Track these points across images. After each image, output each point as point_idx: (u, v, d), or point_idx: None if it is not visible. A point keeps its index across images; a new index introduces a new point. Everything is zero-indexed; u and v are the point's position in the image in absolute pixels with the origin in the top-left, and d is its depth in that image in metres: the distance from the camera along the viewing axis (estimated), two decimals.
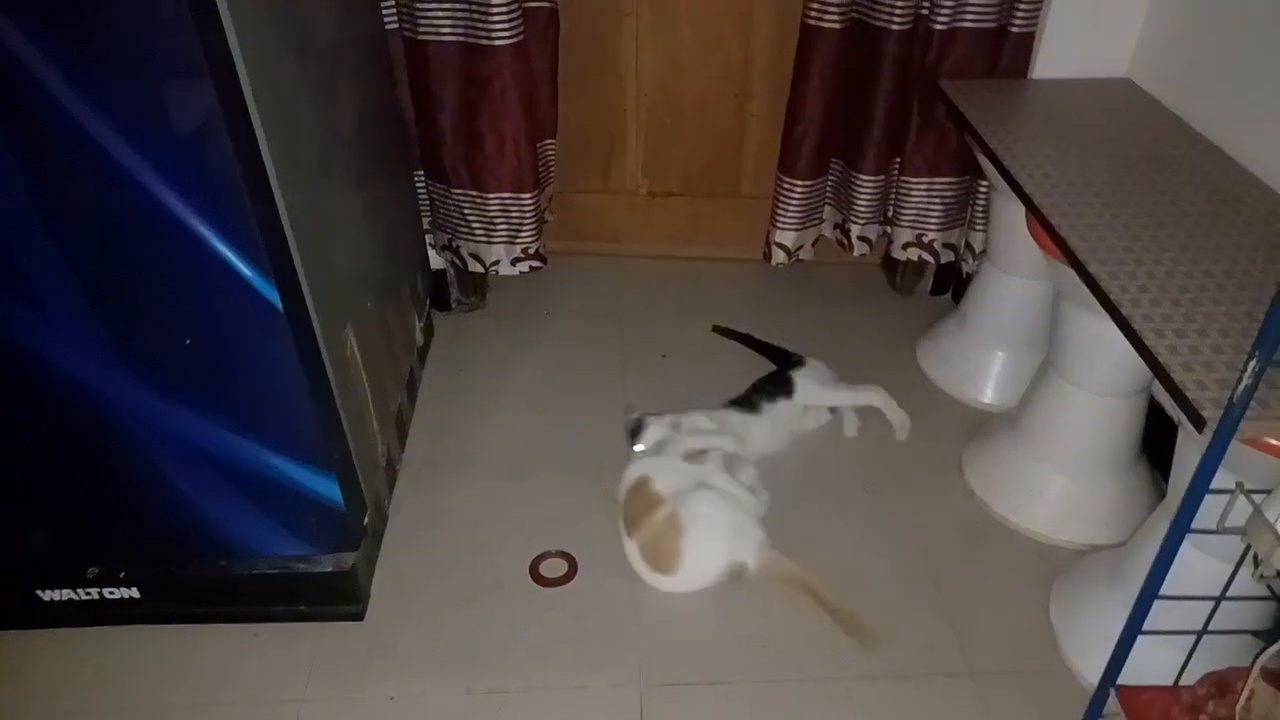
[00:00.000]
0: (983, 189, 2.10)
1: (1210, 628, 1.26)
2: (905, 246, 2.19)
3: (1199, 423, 1.05)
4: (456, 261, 2.16)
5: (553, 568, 1.66)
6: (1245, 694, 1.21)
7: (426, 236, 2.20)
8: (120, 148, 1.06)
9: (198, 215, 1.11)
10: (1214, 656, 1.29)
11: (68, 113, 1.03)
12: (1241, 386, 0.98)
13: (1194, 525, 1.12)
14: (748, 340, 2.17)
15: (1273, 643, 1.15)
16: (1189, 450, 1.28)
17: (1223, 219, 1.44)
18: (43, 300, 1.17)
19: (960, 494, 1.84)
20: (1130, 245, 1.36)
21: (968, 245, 2.21)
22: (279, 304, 1.19)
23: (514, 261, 2.11)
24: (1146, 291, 1.26)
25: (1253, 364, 0.96)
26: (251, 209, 1.12)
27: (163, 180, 1.08)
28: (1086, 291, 1.33)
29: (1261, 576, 1.18)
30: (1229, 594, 1.23)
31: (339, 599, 1.53)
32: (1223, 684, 1.27)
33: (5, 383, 1.24)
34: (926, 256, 2.21)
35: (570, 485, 1.83)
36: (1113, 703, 1.32)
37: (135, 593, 1.50)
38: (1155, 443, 1.73)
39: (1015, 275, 1.94)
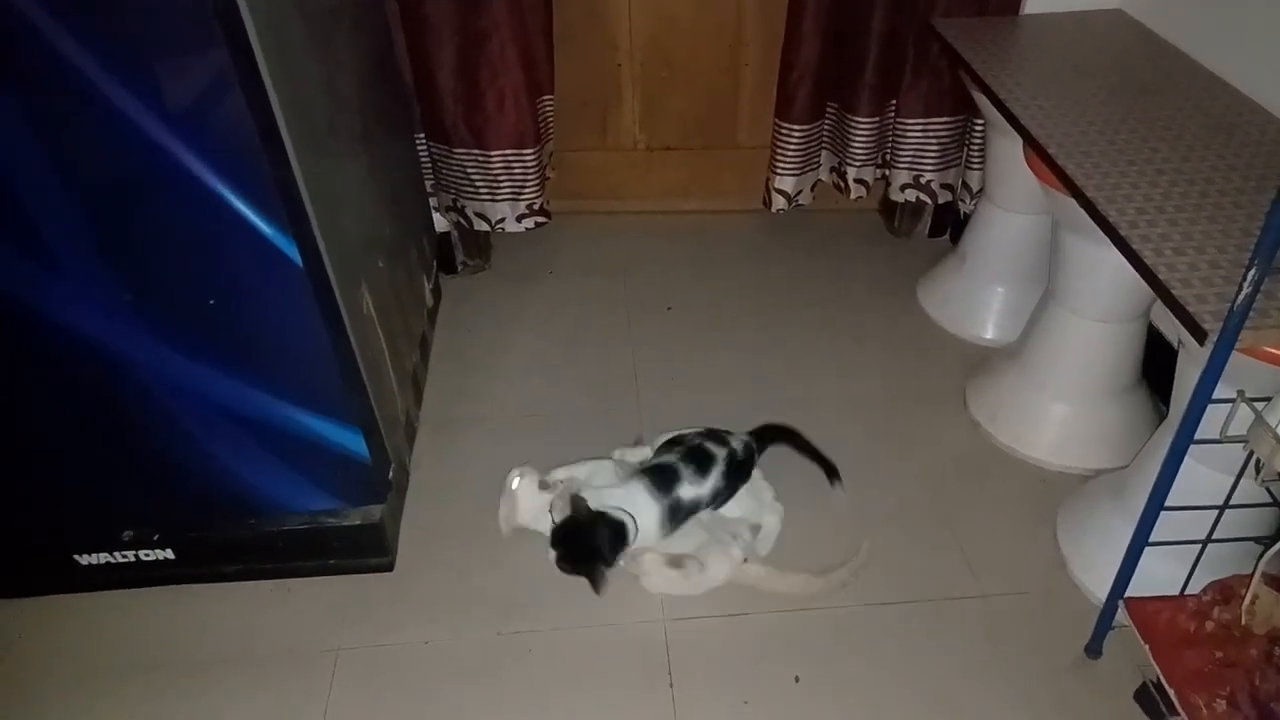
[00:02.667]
0: (978, 127, 2.12)
1: (1214, 536, 1.31)
2: (903, 188, 2.21)
3: (1200, 335, 1.09)
4: (462, 221, 2.18)
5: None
6: (1248, 598, 1.27)
7: (430, 199, 2.21)
8: (137, 109, 1.07)
9: (216, 174, 1.13)
10: (1218, 567, 1.35)
11: (84, 75, 1.05)
12: (1241, 296, 1.02)
13: (1196, 436, 1.16)
14: (793, 440, 1.75)
15: (1276, 549, 1.20)
16: (1189, 368, 1.32)
17: (1217, 141, 1.46)
18: (65, 265, 1.19)
19: (965, 427, 1.88)
20: (1126, 170, 1.39)
21: (965, 185, 2.23)
22: (299, 261, 1.21)
23: (519, 218, 2.13)
24: (1144, 213, 1.29)
25: (1251, 273, 1.00)
26: (268, 166, 1.14)
27: (180, 140, 1.10)
28: (1085, 219, 1.35)
29: (1263, 481, 1.23)
30: (1231, 503, 1.28)
31: (368, 551, 1.58)
32: (1226, 591, 1.32)
33: (32, 348, 1.27)
34: (924, 198, 2.23)
35: (583, 437, 1.86)
36: (1121, 615, 1.38)
37: (170, 554, 1.54)
38: (1154, 369, 1.77)
39: (1013, 211, 1.97)
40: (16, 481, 1.44)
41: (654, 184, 2.50)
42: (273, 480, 1.47)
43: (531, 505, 1.59)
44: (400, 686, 1.43)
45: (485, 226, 2.16)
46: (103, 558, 1.53)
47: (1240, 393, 1.13)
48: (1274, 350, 1.14)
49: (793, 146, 2.15)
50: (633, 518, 1.50)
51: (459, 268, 2.36)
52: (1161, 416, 1.74)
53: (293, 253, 1.20)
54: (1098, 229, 1.32)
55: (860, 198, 2.26)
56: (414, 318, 1.95)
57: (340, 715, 1.39)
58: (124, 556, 1.53)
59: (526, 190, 2.10)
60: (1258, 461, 1.19)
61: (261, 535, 1.53)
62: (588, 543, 1.47)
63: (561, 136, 2.31)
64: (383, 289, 1.62)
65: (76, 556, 1.52)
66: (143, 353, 1.28)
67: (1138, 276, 1.23)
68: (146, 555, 1.54)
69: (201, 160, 1.12)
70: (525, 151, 2.03)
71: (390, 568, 1.61)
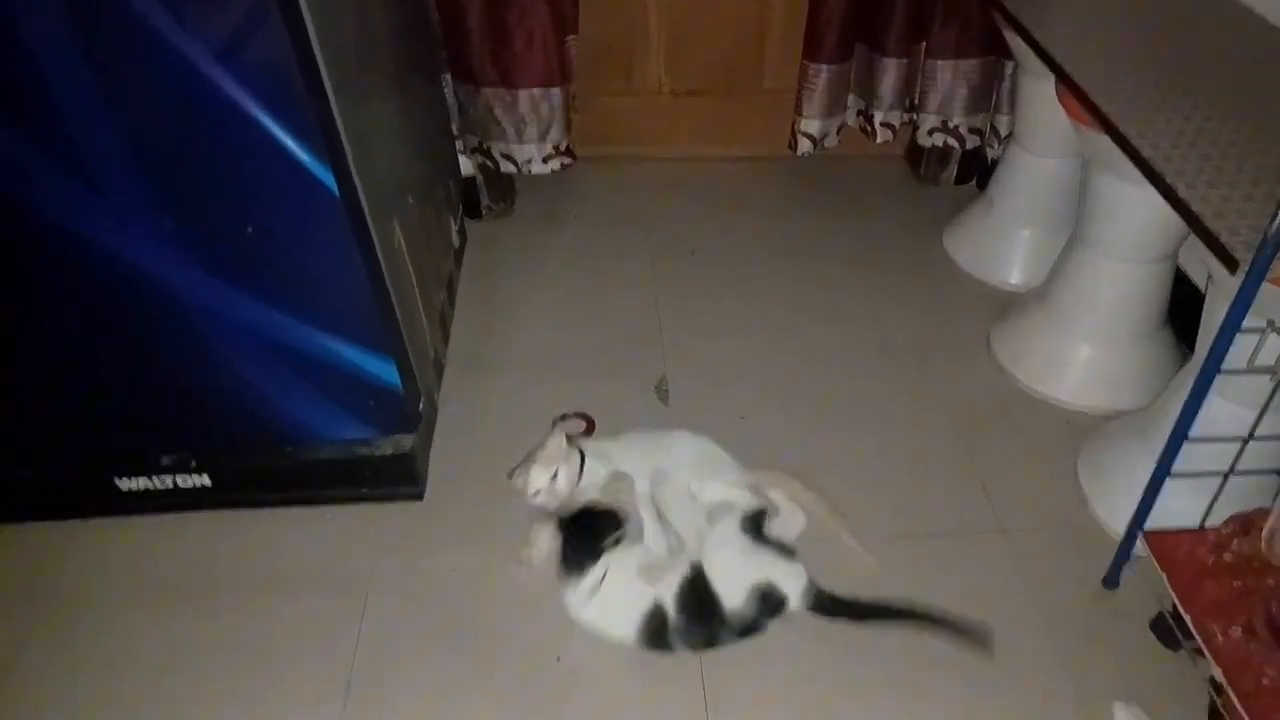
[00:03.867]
0: (1009, 70, 2.09)
1: (1236, 469, 1.32)
2: (931, 132, 2.20)
3: (1232, 264, 1.09)
4: (488, 163, 2.19)
5: (572, 426, 1.75)
6: (1268, 529, 1.28)
7: (456, 142, 2.22)
8: (179, 35, 1.09)
9: (255, 101, 1.14)
10: (1237, 503, 1.36)
11: (130, 5, 1.06)
12: (1275, 223, 1.02)
13: (1223, 368, 1.17)
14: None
15: None
16: (1218, 302, 1.32)
17: (1253, 75, 1.45)
18: (108, 188, 1.21)
19: (990, 370, 1.89)
20: (1160, 105, 1.38)
21: (993, 129, 2.21)
22: (335, 189, 1.23)
23: (545, 159, 2.14)
24: (1177, 147, 1.28)
25: None
26: (306, 95, 1.15)
27: (221, 67, 1.12)
28: (1117, 156, 1.35)
29: None
30: (1255, 435, 1.28)
31: (399, 480, 1.62)
32: (1246, 524, 1.33)
33: (75, 271, 1.30)
34: (952, 142, 2.22)
35: (607, 375, 1.89)
36: (1139, 549, 1.39)
37: (206, 480, 1.58)
38: (1179, 315, 1.77)
39: (1042, 155, 1.95)
40: (59, 403, 1.48)
41: (679, 129, 2.49)
42: (307, 408, 1.50)
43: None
44: (431, 609, 1.47)
45: (511, 168, 2.16)
46: (142, 482, 1.57)
47: (1270, 322, 1.13)
48: None
49: (820, 88, 2.14)
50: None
51: (484, 212, 2.37)
52: (1186, 360, 1.74)
53: (329, 181, 1.22)
54: (1129, 166, 1.31)
55: (887, 142, 2.25)
56: (441, 258, 1.97)
57: (375, 636, 1.44)
58: (162, 482, 1.58)
59: (553, 130, 2.10)
60: None
61: (296, 463, 1.57)
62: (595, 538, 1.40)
63: (586, 80, 2.30)
64: (412, 225, 1.64)
65: (117, 480, 1.57)
66: (182, 278, 1.30)
67: (1167, 215, 1.23)
68: (184, 481, 1.58)
69: (242, 87, 1.14)
70: (552, 90, 2.03)
71: (420, 497, 1.64)
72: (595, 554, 1.39)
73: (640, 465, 1.55)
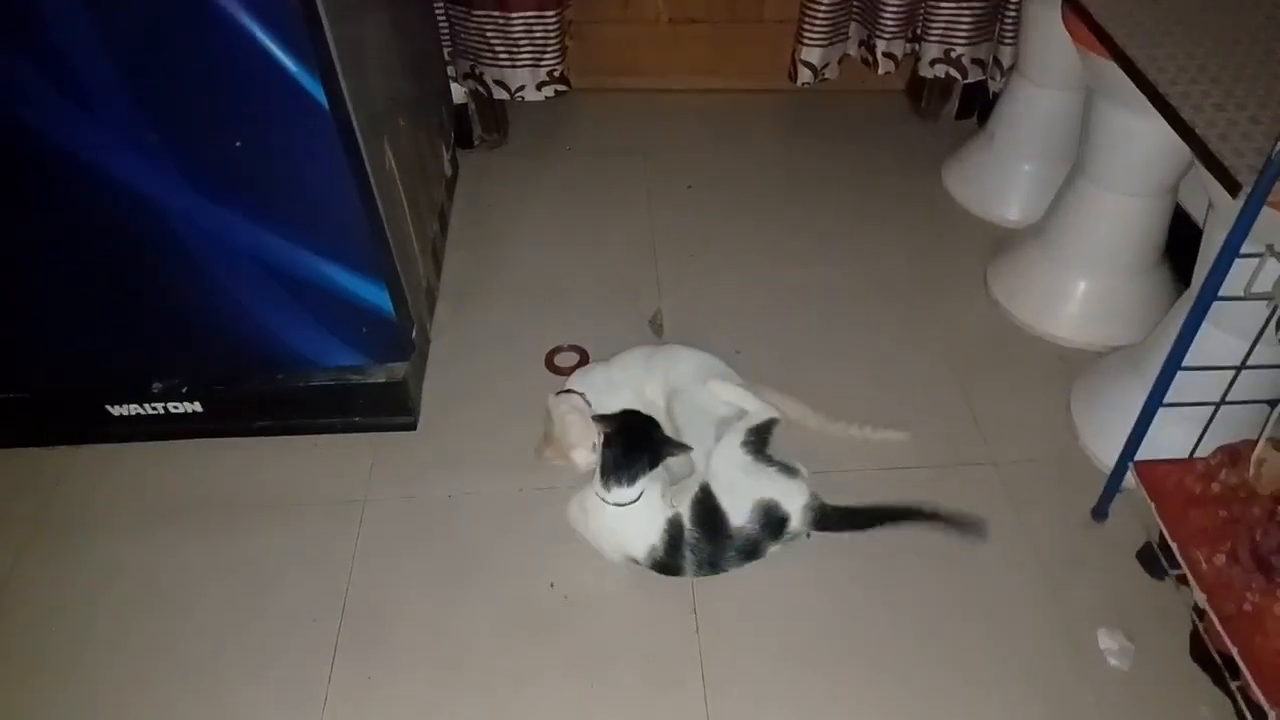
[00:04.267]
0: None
1: (1227, 399, 1.33)
2: (933, 63, 2.16)
3: (1234, 187, 1.07)
4: (480, 89, 2.14)
5: (566, 359, 1.77)
6: (1255, 459, 1.29)
7: (448, 68, 2.17)
8: None
9: (244, 9, 1.11)
10: (1226, 435, 1.36)
11: None
12: (1278, 147, 1.00)
13: (1220, 294, 1.16)
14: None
15: None
16: (1217, 231, 1.30)
17: (1264, 2, 1.42)
18: (93, 101, 1.18)
19: (985, 305, 1.89)
20: (1170, 30, 1.35)
21: (996, 61, 2.17)
22: (325, 103, 1.20)
23: (539, 86, 2.09)
24: (1185, 71, 1.26)
25: None
26: (297, 5, 1.12)
27: None
28: (1123, 84, 1.32)
29: None
30: (1248, 364, 1.28)
31: (392, 409, 1.61)
32: (1234, 454, 1.34)
33: (61, 191, 1.27)
34: (954, 73, 2.17)
35: (601, 309, 1.88)
36: (1128, 481, 1.40)
37: (198, 406, 1.57)
38: (1177, 252, 1.76)
39: (1046, 86, 1.92)
40: (48, 328, 1.46)
41: (677, 60, 2.44)
42: (299, 334, 1.49)
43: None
44: (425, 534, 1.48)
45: (504, 94, 2.12)
46: (133, 409, 1.57)
47: (1269, 246, 1.12)
48: None
49: (821, 15, 2.09)
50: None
51: (476, 142, 2.33)
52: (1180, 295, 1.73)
53: (319, 95, 1.19)
54: (1134, 94, 1.29)
55: (889, 73, 2.20)
56: (434, 186, 1.94)
57: (369, 558, 1.45)
58: (154, 409, 1.57)
59: (547, 56, 2.05)
60: (1278, 321, 1.19)
61: (288, 391, 1.57)
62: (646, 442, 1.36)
63: (582, 8, 2.24)
64: (404, 149, 1.61)
65: (109, 407, 1.56)
66: (171, 196, 1.28)
67: (1170, 145, 1.21)
68: (175, 408, 1.57)
69: None
70: (546, 14, 1.98)
71: (413, 427, 1.64)
72: (650, 463, 1.34)
73: (643, 373, 1.57)
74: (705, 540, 1.37)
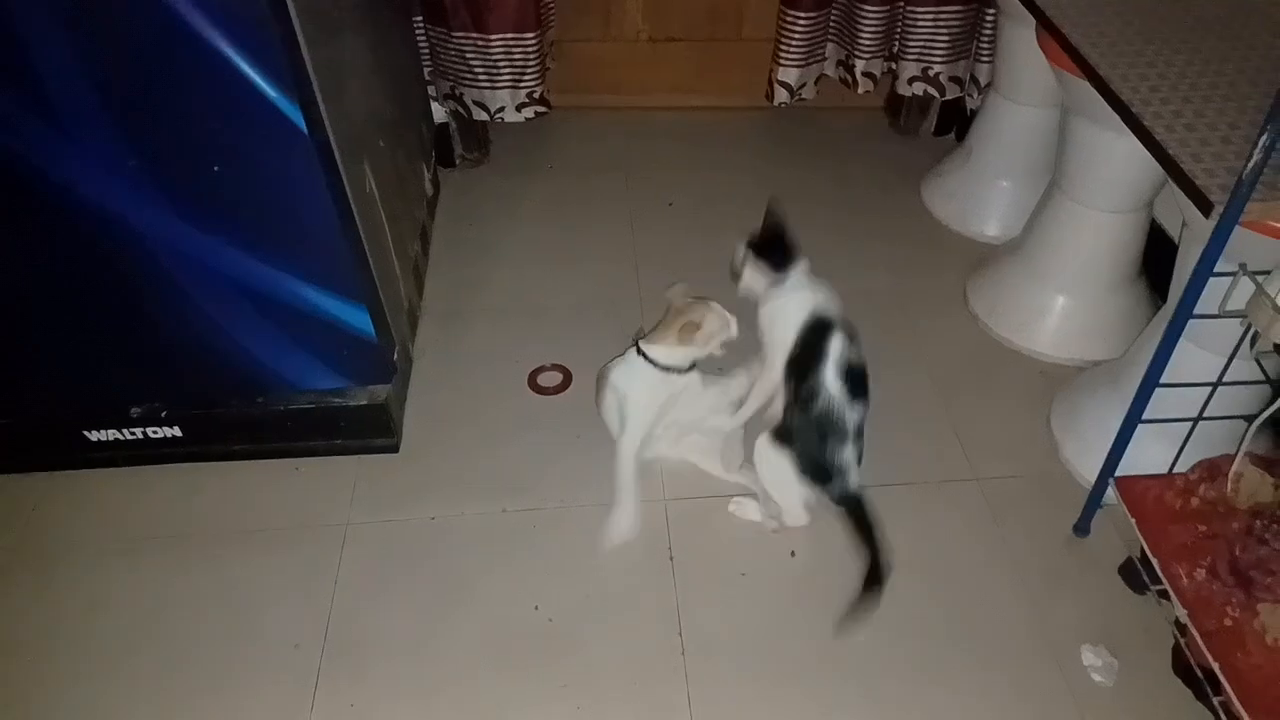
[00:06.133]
0: (989, 17, 2.07)
1: (1205, 415, 1.34)
2: (911, 81, 2.18)
3: (1206, 206, 1.09)
4: (460, 110, 2.14)
5: (549, 378, 1.77)
6: (1233, 474, 1.30)
7: (428, 89, 2.17)
8: None
9: (221, 35, 1.10)
10: (1206, 450, 1.38)
11: None
12: (1250, 164, 1.02)
13: (1195, 313, 1.18)
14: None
15: (1261, 418, 1.23)
16: (1192, 248, 1.32)
17: (1236, 21, 1.44)
18: (71, 126, 1.17)
19: (965, 320, 1.90)
20: (1142, 50, 1.37)
21: (973, 78, 2.19)
22: (304, 127, 1.20)
23: (519, 107, 2.10)
24: (1158, 91, 1.27)
25: (1262, 140, 0.99)
26: (275, 31, 1.11)
27: (189, 1, 1.07)
28: (1097, 102, 1.34)
29: (1256, 354, 1.25)
30: (1224, 380, 1.30)
31: (374, 431, 1.60)
32: (1213, 469, 1.35)
33: (39, 215, 1.26)
34: (932, 91, 2.20)
35: (583, 327, 1.88)
36: (1109, 497, 1.41)
37: (178, 431, 1.56)
38: (1153, 267, 1.78)
39: (1022, 104, 1.94)
40: (27, 354, 1.45)
41: (657, 78, 2.45)
42: (280, 357, 1.48)
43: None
44: (408, 558, 1.47)
45: (484, 115, 2.12)
46: (112, 434, 1.55)
47: (1242, 265, 1.14)
48: (1278, 224, 1.14)
49: (798, 35, 2.11)
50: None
51: (457, 161, 2.33)
52: (1158, 311, 1.75)
53: (298, 119, 1.19)
54: (1109, 111, 1.31)
55: (867, 92, 2.22)
56: (415, 206, 1.94)
57: (351, 583, 1.43)
58: (133, 434, 1.55)
59: (527, 77, 2.06)
60: (1254, 335, 1.20)
61: (269, 414, 1.55)
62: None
63: (563, 26, 2.25)
64: (385, 171, 1.61)
65: (87, 432, 1.54)
66: (149, 220, 1.27)
67: (1144, 162, 1.22)
68: (155, 432, 1.56)
69: (209, 22, 1.10)
70: (526, 36, 1.99)
71: (396, 449, 1.63)
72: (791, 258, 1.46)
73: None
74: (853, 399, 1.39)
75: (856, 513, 1.41)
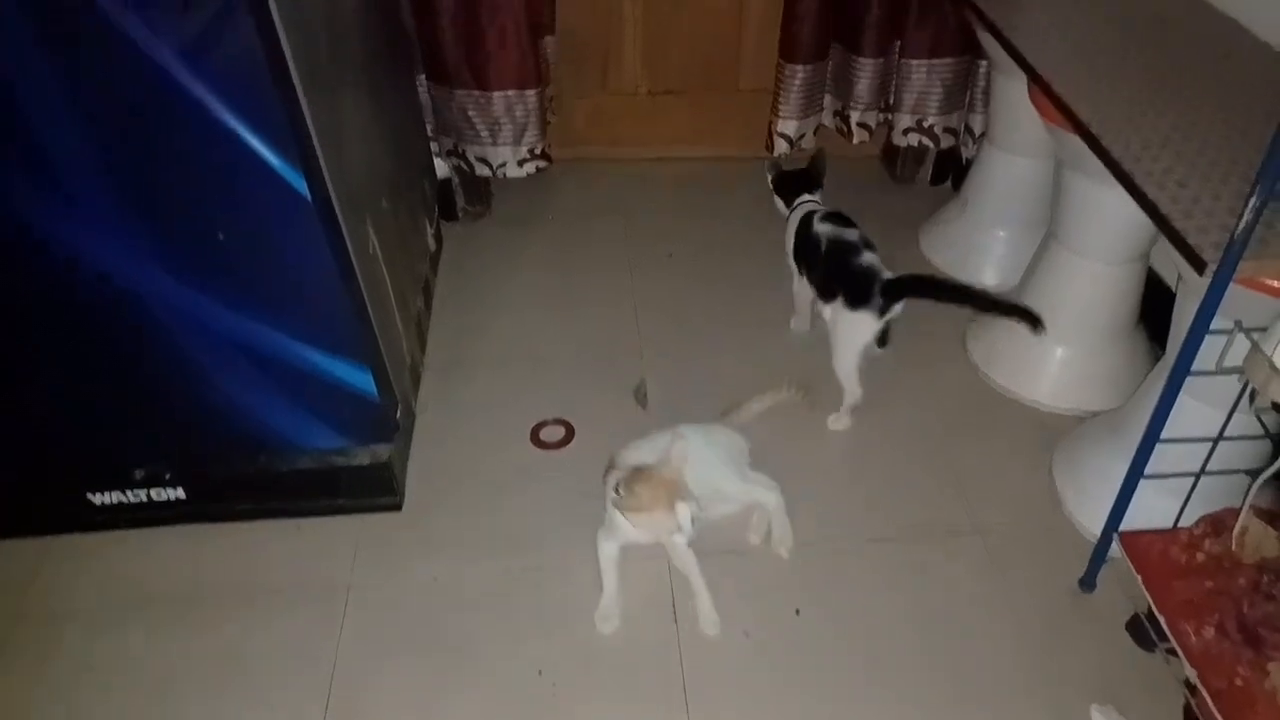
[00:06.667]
0: (982, 69, 2.11)
1: (1207, 469, 1.34)
2: (906, 132, 2.21)
3: (1199, 265, 1.10)
4: (463, 166, 2.17)
5: (551, 433, 1.78)
6: (1238, 528, 1.29)
7: (431, 144, 2.20)
8: (147, 38, 1.07)
9: (225, 105, 1.13)
10: (1209, 503, 1.37)
11: (97, 8, 1.04)
12: (1242, 223, 1.03)
13: (1193, 369, 1.18)
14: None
15: (1264, 475, 1.22)
16: (1188, 303, 1.33)
17: (1223, 75, 1.46)
18: (77, 196, 1.19)
19: (964, 369, 1.90)
20: (1131, 106, 1.39)
21: (968, 129, 2.22)
22: (307, 193, 1.21)
23: (520, 162, 2.12)
24: (1148, 148, 1.29)
25: (1254, 200, 1.01)
26: (277, 98, 1.14)
27: (191, 72, 1.10)
28: (1089, 157, 1.36)
29: (1256, 410, 1.25)
30: (1225, 435, 1.30)
31: (376, 490, 1.60)
32: (1218, 523, 1.35)
33: (43, 283, 1.28)
34: (927, 141, 2.23)
35: (585, 380, 1.89)
36: (1114, 550, 1.40)
37: (181, 493, 1.56)
38: (1152, 315, 1.78)
39: (1016, 154, 1.96)
40: (30, 417, 1.45)
41: (656, 130, 2.49)
42: (283, 418, 1.48)
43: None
44: (410, 621, 1.46)
45: (486, 171, 2.15)
46: (115, 496, 1.55)
47: (1237, 323, 1.14)
48: (1272, 282, 1.15)
49: (796, 88, 2.15)
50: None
51: (460, 214, 2.36)
52: (1158, 360, 1.75)
53: (301, 186, 1.21)
54: (1101, 166, 1.32)
55: (863, 142, 2.25)
56: (417, 262, 1.96)
57: (353, 648, 1.42)
58: (136, 495, 1.55)
59: (528, 133, 2.09)
60: (1252, 392, 1.21)
61: (272, 474, 1.55)
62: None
63: (562, 81, 2.29)
64: (387, 229, 1.63)
65: (90, 495, 1.54)
66: (153, 286, 1.28)
67: (1138, 215, 1.23)
68: (158, 494, 1.56)
69: (211, 91, 1.12)
70: (527, 92, 2.02)
71: (398, 507, 1.63)
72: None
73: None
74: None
75: (921, 285, 1.68)
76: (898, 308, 1.64)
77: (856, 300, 1.65)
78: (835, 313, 1.70)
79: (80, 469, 1.53)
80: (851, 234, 1.74)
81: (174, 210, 1.23)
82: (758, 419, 1.72)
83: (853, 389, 1.73)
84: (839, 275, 1.69)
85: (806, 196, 1.89)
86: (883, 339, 1.70)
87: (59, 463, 1.53)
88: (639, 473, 1.37)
